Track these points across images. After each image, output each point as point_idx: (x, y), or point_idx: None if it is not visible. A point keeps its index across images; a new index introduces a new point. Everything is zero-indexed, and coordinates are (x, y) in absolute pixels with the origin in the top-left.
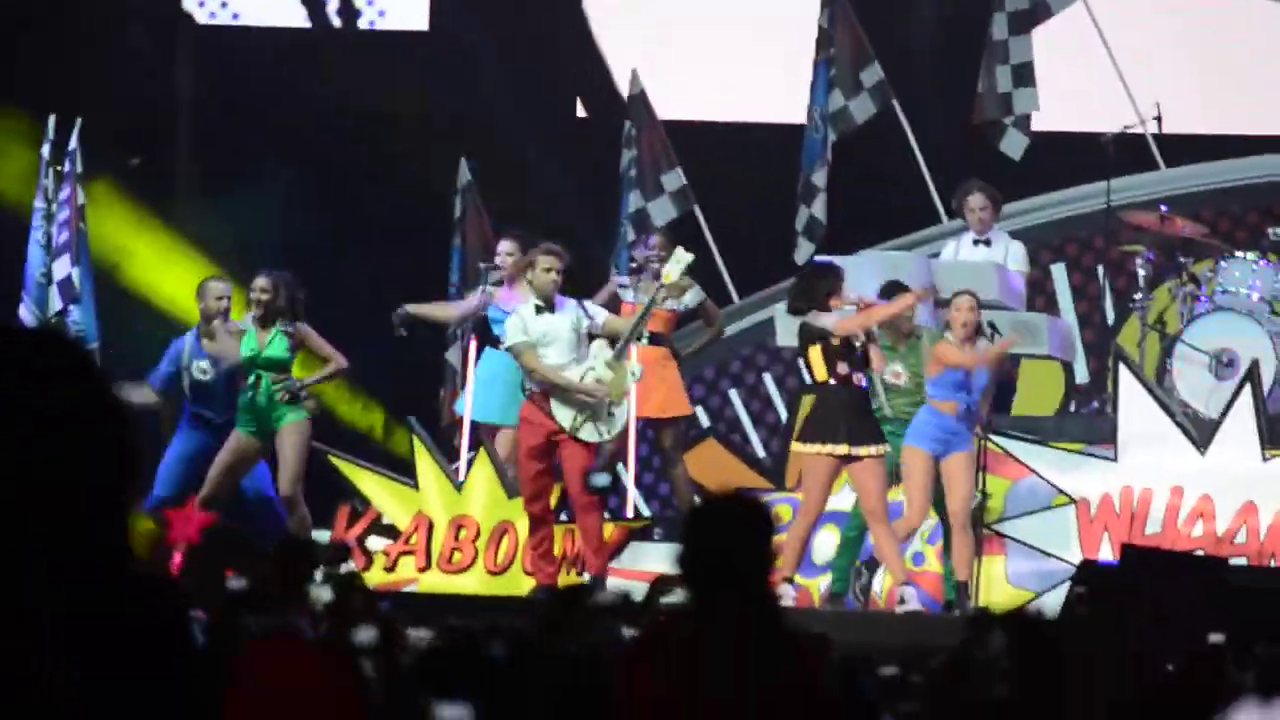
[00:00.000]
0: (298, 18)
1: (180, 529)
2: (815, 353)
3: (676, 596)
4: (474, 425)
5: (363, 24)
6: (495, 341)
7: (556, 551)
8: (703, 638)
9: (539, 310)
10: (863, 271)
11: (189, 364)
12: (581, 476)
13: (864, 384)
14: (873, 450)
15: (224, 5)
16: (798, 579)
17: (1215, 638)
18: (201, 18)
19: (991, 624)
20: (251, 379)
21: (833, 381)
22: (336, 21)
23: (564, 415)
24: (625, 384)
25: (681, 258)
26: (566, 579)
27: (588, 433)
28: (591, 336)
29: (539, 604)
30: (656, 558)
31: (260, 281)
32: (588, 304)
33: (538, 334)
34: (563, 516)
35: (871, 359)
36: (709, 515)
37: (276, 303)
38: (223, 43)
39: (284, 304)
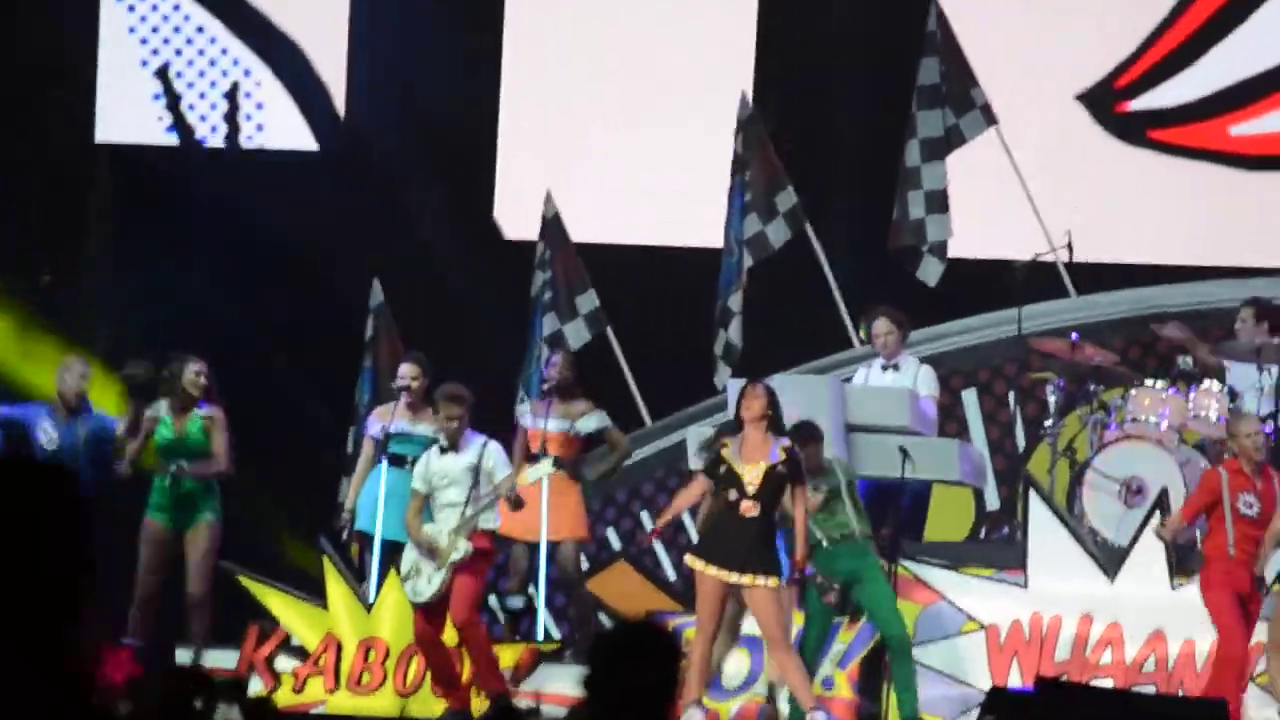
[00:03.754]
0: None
1: (111, 671)
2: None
3: None
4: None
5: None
6: (397, 460)
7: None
8: None
9: (442, 451)
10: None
11: (43, 434)
12: (475, 601)
13: (753, 513)
14: (762, 580)
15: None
16: (707, 701)
17: None
18: (117, 136)
19: None
20: (173, 467)
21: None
22: (216, 141)
23: (404, 561)
24: (450, 557)
25: (545, 469)
26: (477, 701)
27: (407, 589)
28: None
29: None
30: (567, 680)
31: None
32: (496, 455)
33: (435, 476)
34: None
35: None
36: (615, 641)
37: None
38: (137, 161)
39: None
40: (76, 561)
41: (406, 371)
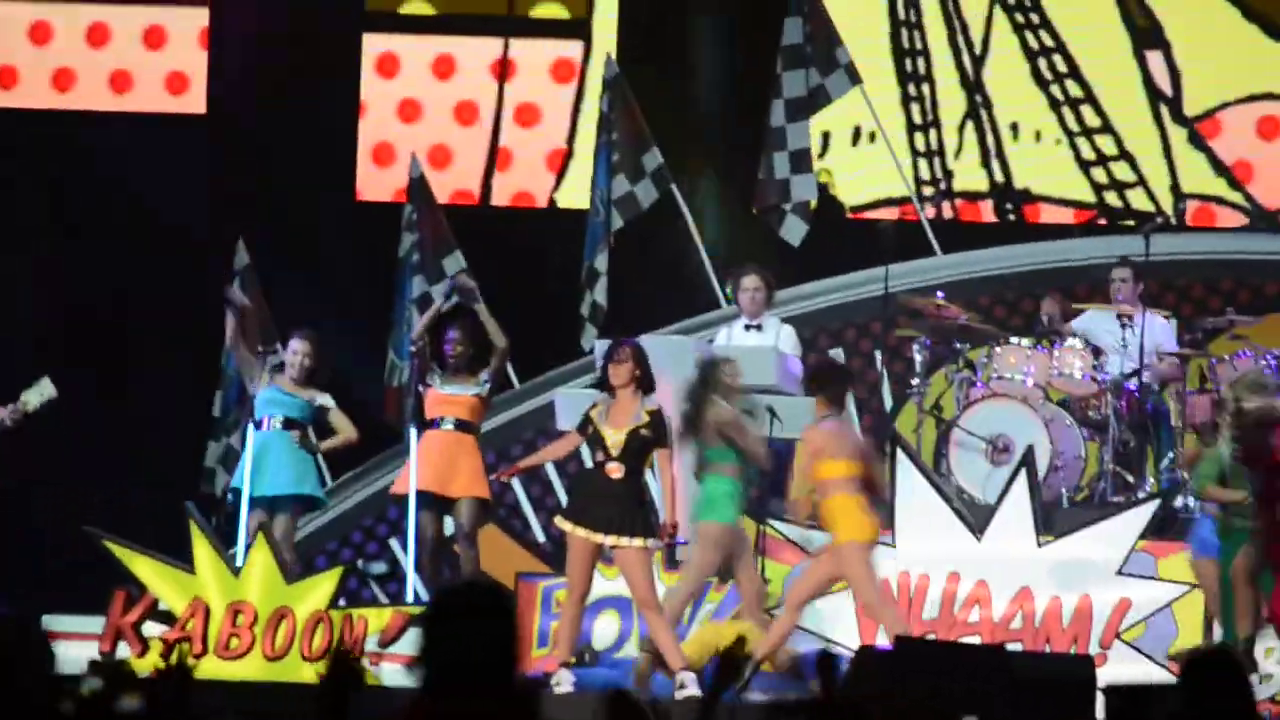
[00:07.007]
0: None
1: None
2: None
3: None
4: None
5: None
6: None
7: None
8: None
9: None
10: None
11: None
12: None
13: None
14: (627, 541)
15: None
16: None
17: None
18: None
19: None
20: None
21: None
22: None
23: None
24: None
25: (45, 390)
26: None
27: None
28: None
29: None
30: None
31: None
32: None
33: None
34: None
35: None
36: (445, 604)
37: None
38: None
39: None
40: None
41: (299, 348)
